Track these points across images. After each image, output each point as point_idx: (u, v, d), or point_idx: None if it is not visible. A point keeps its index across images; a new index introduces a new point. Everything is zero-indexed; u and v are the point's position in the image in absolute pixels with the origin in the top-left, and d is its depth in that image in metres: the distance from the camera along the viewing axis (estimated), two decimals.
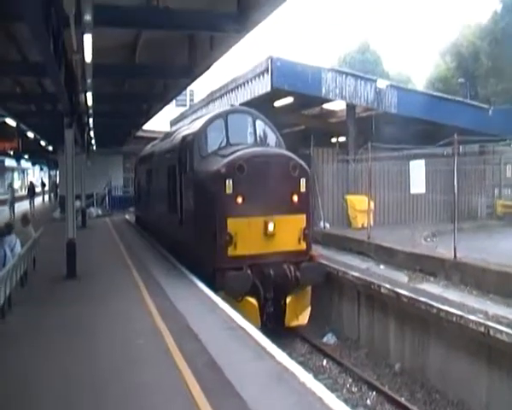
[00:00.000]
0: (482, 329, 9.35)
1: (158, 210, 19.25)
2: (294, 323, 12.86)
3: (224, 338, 8.22)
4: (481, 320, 9.52)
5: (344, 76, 20.70)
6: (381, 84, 21.14)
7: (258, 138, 14.10)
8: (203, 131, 13.80)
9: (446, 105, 22.67)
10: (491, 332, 9.19)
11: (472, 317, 9.70)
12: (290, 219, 12.49)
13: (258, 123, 14.29)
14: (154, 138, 28.73)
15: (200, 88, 44.85)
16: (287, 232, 12.38)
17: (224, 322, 9.09)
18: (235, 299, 11.52)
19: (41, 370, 7.19)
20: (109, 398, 6.26)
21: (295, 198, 12.52)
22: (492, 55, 44.46)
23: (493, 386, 9.50)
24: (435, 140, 16.25)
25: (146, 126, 32.26)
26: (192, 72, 14.64)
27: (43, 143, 33.83)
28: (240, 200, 11.95)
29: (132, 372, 6.99)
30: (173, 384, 6.47)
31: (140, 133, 33.86)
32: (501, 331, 9.06)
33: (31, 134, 28.05)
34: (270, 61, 18.83)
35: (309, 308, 13.09)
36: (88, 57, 9.91)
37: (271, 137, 14.52)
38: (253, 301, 11.93)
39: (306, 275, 12.45)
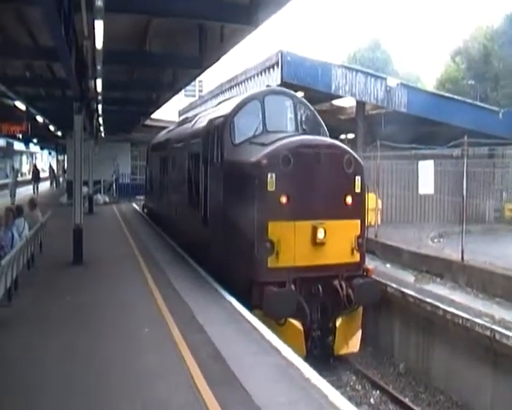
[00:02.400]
0: (488, 333, 9.32)
1: (174, 204, 17.12)
2: (344, 351, 10.81)
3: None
4: (488, 324, 9.49)
5: (354, 73, 20.63)
6: (392, 82, 21.03)
7: (299, 126, 11.93)
8: (235, 114, 11.60)
9: (456, 106, 22.53)
10: (497, 337, 9.16)
11: (478, 320, 9.68)
12: (343, 225, 10.35)
13: (301, 107, 12.19)
14: (163, 127, 28.70)
15: (209, 79, 44.84)
16: (338, 241, 10.26)
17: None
18: (275, 322, 9.57)
19: (46, 354, 7.21)
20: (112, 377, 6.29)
21: (349, 200, 10.40)
22: (503, 58, 44.13)
23: (498, 390, 9.48)
24: (444, 141, 16.15)
25: (155, 115, 32.25)
26: (202, 63, 14.60)
27: (51, 127, 33.86)
28: (284, 199, 9.86)
29: (138, 358, 7.03)
30: None
31: (149, 122, 33.86)
32: (507, 336, 9.02)
33: (40, 118, 28.08)
34: (280, 55, 18.76)
35: (360, 333, 10.87)
36: (99, 43, 9.90)
37: (315, 126, 12.25)
38: (297, 324, 9.81)
39: (361, 293, 10.25)
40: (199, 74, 17.61)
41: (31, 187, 36.89)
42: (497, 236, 18.36)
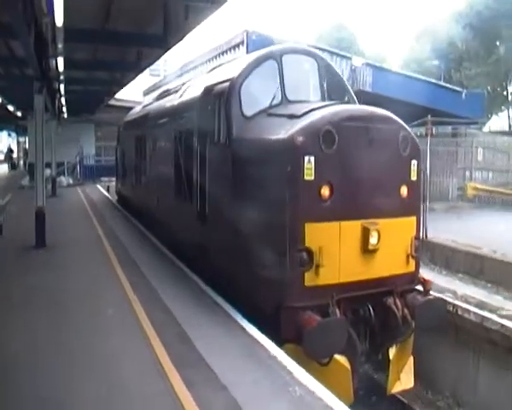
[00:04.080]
0: (451, 308, 9.51)
1: (155, 193, 14.58)
2: (398, 388, 8.24)
3: None
4: (450, 300, 9.71)
5: (320, 52, 20.56)
6: (357, 61, 21.09)
7: (326, 95, 9.46)
8: (245, 78, 8.93)
9: (420, 86, 22.76)
10: (459, 311, 9.39)
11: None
12: (398, 225, 7.98)
13: (327, 71, 9.71)
14: (128, 107, 28.23)
15: (174, 59, 44.19)
16: (393, 245, 7.88)
17: None
18: (317, 361, 7.16)
19: (6, 339, 7.08)
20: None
21: (404, 191, 8.04)
22: (467, 40, 44.82)
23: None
24: (409, 120, 16.30)
25: (119, 95, 31.69)
26: (166, 41, 14.34)
27: (11, 108, 32.94)
28: (326, 192, 7.34)
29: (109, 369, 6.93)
30: None
31: (113, 102, 33.26)
32: (468, 311, 9.25)
33: None
34: (245, 34, 18.59)
35: (412, 363, 8.37)
36: (59, 20, 9.59)
37: (344, 96, 9.94)
38: (344, 362, 7.27)
39: (423, 315, 7.78)
40: (163, 53, 17.30)
41: None
42: (460, 213, 18.78)
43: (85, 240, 14.18)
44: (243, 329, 7.42)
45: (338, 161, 7.41)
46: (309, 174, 7.23)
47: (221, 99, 9.15)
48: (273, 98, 8.86)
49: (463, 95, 23.28)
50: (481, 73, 42.66)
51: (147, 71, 21.20)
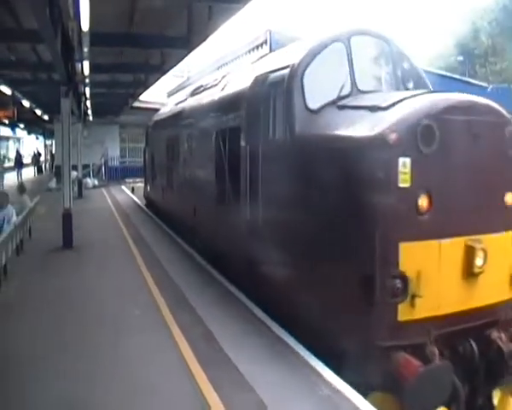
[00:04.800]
0: None
1: (192, 199, 12.96)
2: None
3: None
4: None
5: None
6: None
7: (401, 85, 8.05)
8: (308, 64, 7.58)
9: (446, 82, 22.50)
10: None
11: None
12: (504, 241, 6.55)
13: (400, 57, 8.24)
14: (152, 109, 28.48)
15: (198, 60, 44.41)
16: (497, 266, 6.42)
17: None
18: None
19: (37, 339, 7.19)
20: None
21: (510, 199, 6.56)
22: (492, 35, 44.17)
23: None
24: None
25: (143, 97, 32.00)
26: (190, 42, 14.43)
27: (38, 112, 33.50)
28: (424, 203, 5.93)
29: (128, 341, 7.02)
30: None
31: (137, 104, 33.59)
32: None
33: (26, 103, 27.74)
34: (268, 33, 18.63)
35: None
36: (85, 25, 9.74)
37: (421, 86, 8.38)
38: None
39: None
40: (187, 54, 17.42)
41: (15, 173, 36.58)
42: None
43: (111, 241, 14.33)
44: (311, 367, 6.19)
45: (437, 163, 5.96)
46: (405, 180, 5.77)
47: (278, 89, 7.85)
48: (342, 88, 7.42)
49: (489, 90, 22.97)
50: (507, 68, 41.97)
51: (170, 72, 21.33)
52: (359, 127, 6.35)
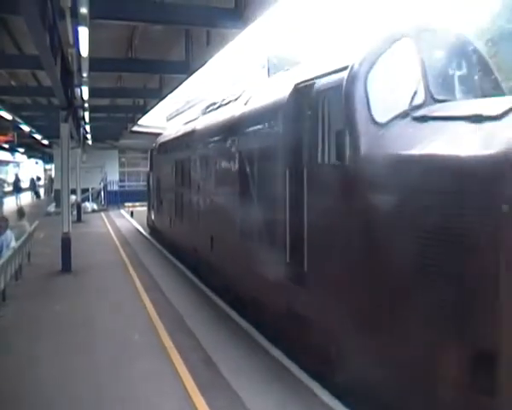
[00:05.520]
0: None
1: (208, 232, 11.37)
2: None
3: None
4: None
5: None
6: None
7: (478, 90, 6.46)
8: (373, 64, 5.97)
9: None
10: None
11: None
12: None
13: (477, 57, 6.70)
14: (151, 133, 28.58)
15: (195, 85, 44.71)
16: None
17: None
18: None
19: (36, 362, 7.14)
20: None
21: None
22: (489, 55, 44.68)
23: None
24: None
25: (142, 121, 32.18)
26: (188, 67, 14.57)
27: (38, 136, 33.67)
28: None
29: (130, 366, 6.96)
30: None
31: (136, 128, 33.76)
32: None
33: (26, 128, 27.91)
34: (267, 59, 18.80)
35: None
36: (84, 51, 9.84)
37: (497, 90, 6.73)
38: None
39: None
40: (185, 79, 17.60)
41: (14, 198, 36.56)
42: None
43: (110, 265, 14.29)
44: None
45: None
46: None
47: (331, 98, 6.27)
48: (414, 95, 5.86)
49: None
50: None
51: (169, 96, 21.47)
52: (460, 145, 4.67)
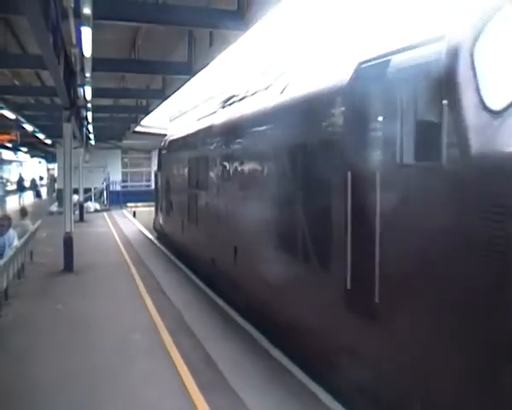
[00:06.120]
0: None
1: (231, 240, 9.82)
2: None
3: None
4: None
5: None
6: None
7: None
8: (479, 33, 4.35)
9: None
10: None
11: None
12: None
13: None
14: (154, 134, 28.60)
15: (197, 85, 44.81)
16: None
17: None
18: None
19: (36, 362, 7.16)
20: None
21: None
22: None
23: None
24: None
25: (145, 122, 32.27)
26: (191, 68, 14.62)
27: (41, 136, 33.77)
28: None
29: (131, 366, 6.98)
30: None
31: (139, 128, 33.85)
32: None
33: (29, 127, 28.01)
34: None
35: None
36: (87, 51, 9.88)
37: None
38: None
39: None
40: (188, 80, 17.65)
41: (17, 197, 36.72)
42: None
43: (112, 265, 14.33)
44: None
45: None
46: None
47: (415, 79, 4.78)
48: None
49: None
50: None
51: (173, 98, 21.50)
52: None
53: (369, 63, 5.60)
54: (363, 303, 5.29)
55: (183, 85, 18.16)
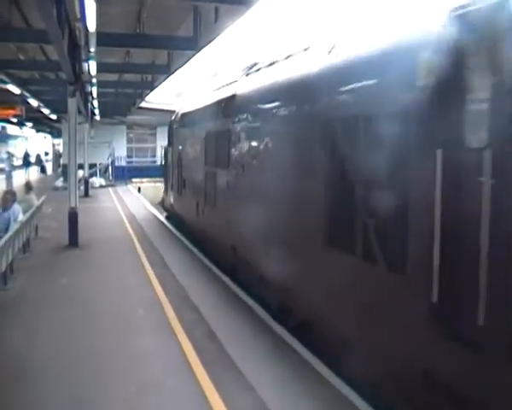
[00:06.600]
0: None
1: (262, 227, 8.31)
2: None
3: None
4: None
5: None
6: None
7: None
8: None
9: None
10: None
11: None
12: None
13: None
14: (160, 110, 28.48)
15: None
16: None
17: None
18: None
19: (41, 336, 7.24)
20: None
21: None
22: None
23: None
24: None
25: (151, 97, 32.14)
26: (196, 44, 14.50)
27: (46, 111, 33.72)
28: None
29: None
30: None
31: (144, 104, 33.71)
32: None
33: (34, 102, 27.94)
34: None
35: None
36: (91, 26, 9.80)
37: None
38: None
39: None
40: (193, 55, 17.52)
41: (23, 171, 36.89)
42: None
43: (117, 240, 14.41)
44: None
45: None
46: None
47: None
48: None
49: None
50: None
51: (178, 73, 21.36)
52: None
53: (469, 8, 4.13)
54: (458, 323, 4.02)
55: (188, 60, 18.04)
